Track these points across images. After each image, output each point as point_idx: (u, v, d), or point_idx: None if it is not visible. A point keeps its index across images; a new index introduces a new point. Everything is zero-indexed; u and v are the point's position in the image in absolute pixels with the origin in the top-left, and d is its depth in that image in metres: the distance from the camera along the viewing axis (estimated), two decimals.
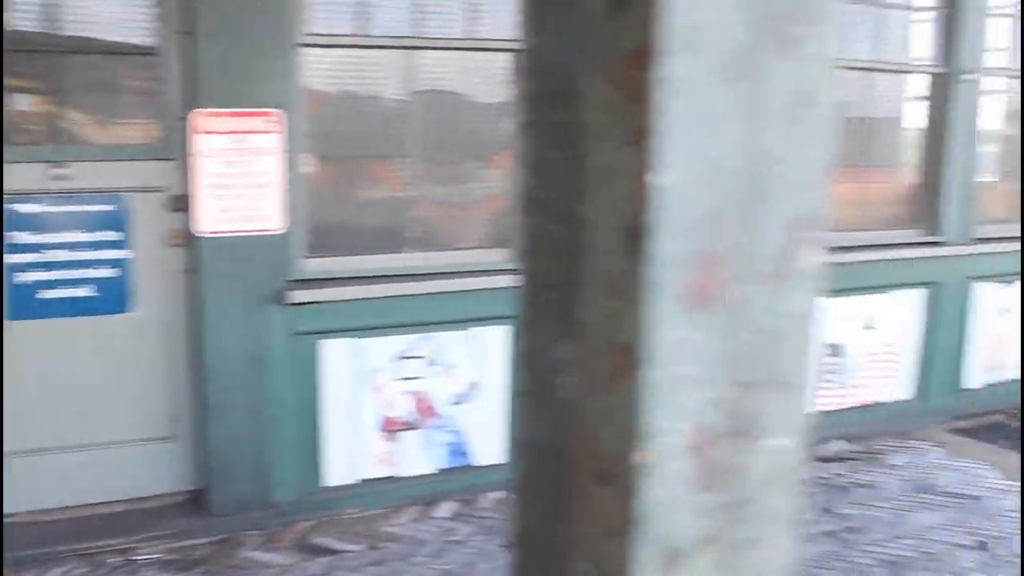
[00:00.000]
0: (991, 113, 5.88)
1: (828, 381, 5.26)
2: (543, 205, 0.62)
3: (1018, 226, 5.95)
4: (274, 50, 3.83)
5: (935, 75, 5.40)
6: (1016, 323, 5.93)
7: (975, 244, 5.59)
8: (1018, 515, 4.42)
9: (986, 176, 5.84)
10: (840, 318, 5.22)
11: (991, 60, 5.61)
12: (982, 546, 4.10)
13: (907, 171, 5.68)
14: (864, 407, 5.39)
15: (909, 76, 5.53)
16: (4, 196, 3.71)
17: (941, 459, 5.10)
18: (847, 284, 5.19)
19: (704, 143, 0.56)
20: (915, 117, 5.58)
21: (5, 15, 3.62)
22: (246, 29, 3.76)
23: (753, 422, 0.61)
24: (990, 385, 5.87)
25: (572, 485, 0.62)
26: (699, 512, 0.60)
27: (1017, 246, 5.79)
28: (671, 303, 0.57)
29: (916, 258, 5.39)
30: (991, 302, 5.79)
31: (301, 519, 4.14)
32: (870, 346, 5.34)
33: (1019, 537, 4.17)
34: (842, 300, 5.20)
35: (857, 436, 5.28)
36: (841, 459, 5.05)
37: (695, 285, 0.57)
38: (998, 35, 5.66)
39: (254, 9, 3.77)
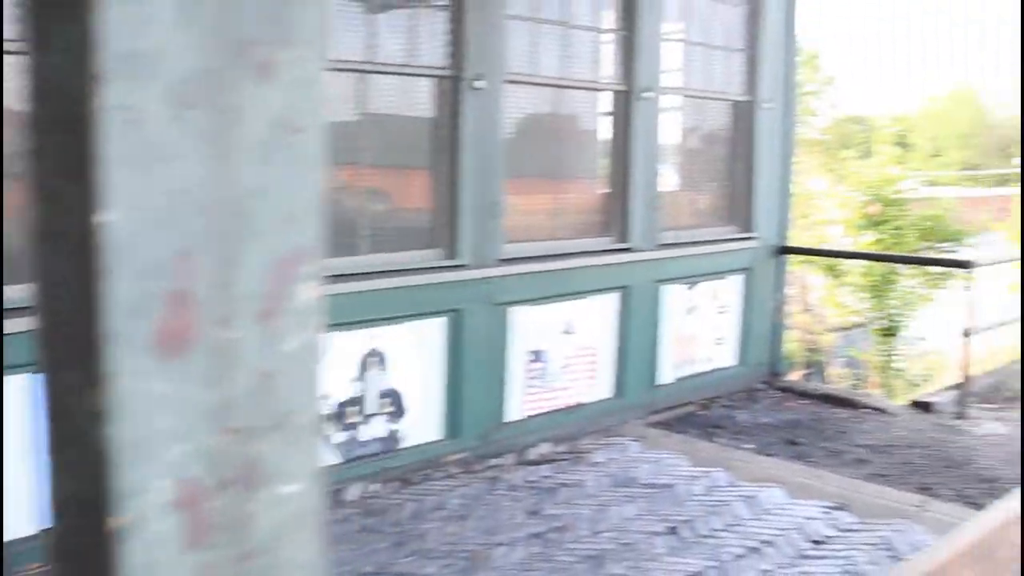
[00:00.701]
0: (670, 129, 6.38)
1: (532, 386, 5.46)
2: (58, 240, 0.55)
3: (697, 232, 6.50)
4: None
5: (617, 92, 5.78)
6: (700, 321, 6.48)
7: (660, 249, 6.04)
8: (705, 498, 4.81)
9: (668, 187, 6.33)
10: (541, 325, 5.44)
11: (668, 80, 6.09)
12: (672, 531, 4.40)
13: (599, 182, 6.04)
14: (568, 409, 5.65)
15: (597, 93, 5.88)
16: None
17: (640, 452, 5.43)
18: (546, 292, 5.42)
19: (161, 177, 0.52)
20: (604, 132, 5.94)
21: None
22: None
23: (253, 471, 0.58)
24: (680, 379, 6.35)
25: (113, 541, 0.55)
26: (197, 570, 0.56)
27: (696, 251, 6.32)
28: (137, 352, 0.52)
29: (609, 264, 5.74)
30: (678, 303, 6.27)
31: None
32: (570, 350, 5.61)
33: (706, 519, 4.53)
34: (542, 307, 5.42)
35: (562, 437, 5.51)
36: (548, 461, 5.25)
37: (164, 331, 0.53)
38: (672, 58, 6.16)
39: None
